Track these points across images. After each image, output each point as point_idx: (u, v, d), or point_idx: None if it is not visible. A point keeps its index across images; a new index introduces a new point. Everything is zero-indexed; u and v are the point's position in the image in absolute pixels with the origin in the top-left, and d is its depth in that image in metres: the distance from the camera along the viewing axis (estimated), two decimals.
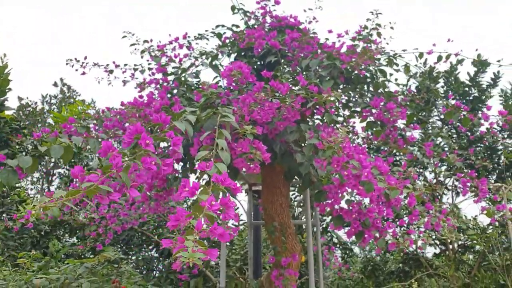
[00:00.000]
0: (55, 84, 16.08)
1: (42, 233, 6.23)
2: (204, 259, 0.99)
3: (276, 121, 2.07)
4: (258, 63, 2.89)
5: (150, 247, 7.33)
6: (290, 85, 2.12)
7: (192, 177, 2.80)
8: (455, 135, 6.19)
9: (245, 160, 1.77)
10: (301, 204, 6.88)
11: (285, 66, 2.64)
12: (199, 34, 3.20)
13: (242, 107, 1.97)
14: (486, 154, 6.13)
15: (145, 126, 1.45)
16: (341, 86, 2.68)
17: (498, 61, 2.83)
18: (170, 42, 3.10)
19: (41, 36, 30.03)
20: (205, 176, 1.53)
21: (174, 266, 1.01)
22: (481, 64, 6.06)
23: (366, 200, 2.15)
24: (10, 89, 4.95)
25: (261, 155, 1.75)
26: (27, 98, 14.89)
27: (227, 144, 1.68)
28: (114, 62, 2.98)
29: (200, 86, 2.34)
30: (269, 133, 2.19)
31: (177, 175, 2.66)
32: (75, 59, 2.87)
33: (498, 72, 6.66)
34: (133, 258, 7.12)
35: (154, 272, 7.17)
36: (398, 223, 4.02)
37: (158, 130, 1.57)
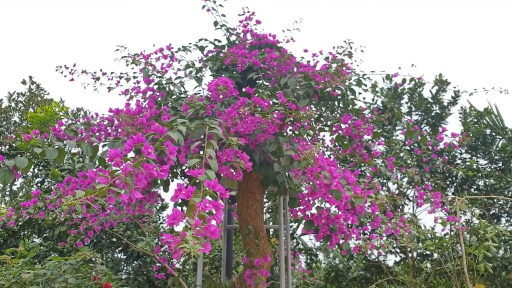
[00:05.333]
0: (24, 82, 15.76)
1: (10, 232, 6.20)
2: (201, 250, 1.20)
3: (257, 133, 2.29)
4: (239, 77, 3.10)
5: (118, 249, 7.38)
6: (271, 101, 2.35)
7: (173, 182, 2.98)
8: (415, 151, 6.58)
9: (230, 168, 1.97)
10: (270, 211, 7.12)
11: (265, 83, 2.86)
12: (182, 46, 3.39)
13: (227, 120, 2.18)
14: (444, 168, 6.54)
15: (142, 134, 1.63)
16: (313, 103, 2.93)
17: (455, 87, 3.17)
18: (155, 52, 3.27)
19: (8, 31, 29.25)
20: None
21: (175, 256, 1.20)
22: (441, 84, 6.49)
23: (334, 208, 2.40)
24: None
25: (244, 164, 1.95)
26: None
27: None
28: (101, 70, 3.13)
29: (188, 97, 2.53)
30: (250, 144, 2.41)
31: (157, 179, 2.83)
32: (65, 66, 3.00)
33: (458, 91, 7.13)
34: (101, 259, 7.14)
35: (121, 273, 7.22)
36: (362, 229, 4.30)
37: (153, 138, 1.75)
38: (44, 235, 6.53)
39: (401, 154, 5.75)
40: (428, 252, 6.56)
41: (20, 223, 6.06)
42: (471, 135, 6.57)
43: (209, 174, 1.61)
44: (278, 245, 5.83)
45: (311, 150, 1.96)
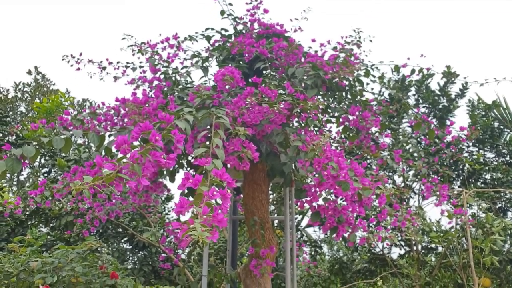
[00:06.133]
0: (29, 72, 15.79)
1: (18, 221, 6.26)
2: (209, 238, 1.19)
3: (264, 124, 2.27)
4: (245, 67, 3.08)
5: (124, 240, 7.43)
6: (278, 91, 2.33)
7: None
8: (423, 142, 6.54)
9: (236, 158, 1.96)
10: (274, 202, 7.12)
11: (272, 73, 2.84)
12: (189, 36, 3.37)
13: (233, 110, 2.17)
14: (451, 162, 6.50)
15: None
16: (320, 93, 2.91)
17: (465, 77, 3.12)
18: (162, 42, 3.25)
19: (14, 22, 29.29)
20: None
21: (182, 244, 1.19)
22: (449, 76, 6.42)
23: (339, 200, 2.38)
24: None
25: (251, 154, 1.94)
26: None
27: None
28: (107, 59, 3.12)
29: (194, 87, 2.52)
30: (256, 134, 2.40)
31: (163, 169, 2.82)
32: (71, 55, 3.00)
33: (466, 83, 7.06)
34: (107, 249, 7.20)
35: (127, 263, 7.28)
36: (368, 221, 4.29)
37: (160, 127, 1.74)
38: (51, 224, 6.58)
39: (407, 147, 5.71)
40: (433, 245, 6.55)
41: (27, 213, 6.11)
42: (478, 128, 6.51)
43: (216, 163, 1.60)
44: (282, 237, 5.84)
45: (319, 141, 1.95)
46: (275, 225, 6.82)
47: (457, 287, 5.85)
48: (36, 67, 15.89)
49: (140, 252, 7.33)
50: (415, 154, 5.75)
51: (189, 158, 2.88)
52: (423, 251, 6.64)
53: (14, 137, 7.24)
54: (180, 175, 2.91)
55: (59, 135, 2.24)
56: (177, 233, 3.19)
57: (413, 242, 6.37)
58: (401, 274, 6.58)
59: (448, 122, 3.16)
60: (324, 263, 8.39)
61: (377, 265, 6.86)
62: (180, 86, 2.91)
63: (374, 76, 2.92)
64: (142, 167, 1.50)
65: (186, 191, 2.49)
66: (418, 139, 6.41)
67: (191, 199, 1.46)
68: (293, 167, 2.70)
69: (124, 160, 1.39)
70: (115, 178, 1.29)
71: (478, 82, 2.82)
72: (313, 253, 7.50)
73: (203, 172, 1.59)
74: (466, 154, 6.75)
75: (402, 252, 6.85)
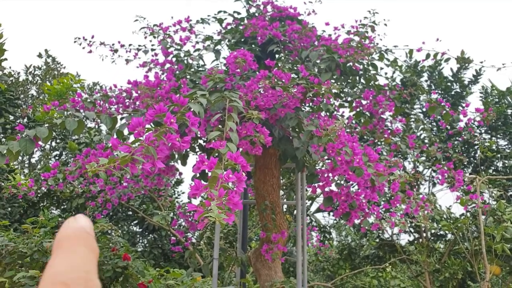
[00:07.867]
0: (40, 55, 15.80)
1: (30, 203, 6.34)
2: (226, 220, 1.18)
3: (277, 108, 2.25)
4: (258, 50, 3.05)
5: (134, 223, 7.51)
6: (292, 75, 2.30)
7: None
8: (435, 128, 6.48)
9: (249, 142, 1.95)
10: (284, 187, 7.12)
11: (286, 56, 2.80)
12: (201, 19, 3.33)
13: (247, 93, 2.14)
14: (463, 148, 6.43)
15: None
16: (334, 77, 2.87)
17: (481, 62, 3.06)
18: (174, 25, 3.23)
19: (24, 5, 29.29)
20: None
21: (199, 226, 1.19)
22: (463, 61, 6.32)
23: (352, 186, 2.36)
24: (5, 59, 4.99)
25: (264, 139, 1.93)
26: (10, 67, 14.63)
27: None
28: (119, 42, 3.10)
29: (207, 70, 2.49)
30: (269, 118, 2.37)
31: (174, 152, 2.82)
32: (83, 37, 2.98)
33: (480, 69, 6.94)
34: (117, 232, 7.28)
35: (138, 246, 7.36)
36: (382, 207, 4.30)
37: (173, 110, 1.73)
38: (62, 206, 6.66)
39: (419, 133, 5.65)
40: (442, 232, 6.52)
41: (39, 195, 6.18)
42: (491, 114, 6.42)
43: (230, 146, 1.59)
44: (291, 222, 5.86)
45: (334, 125, 1.93)
46: (284, 210, 6.84)
47: (466, 274, 5.84)
48: (46, 50, 15.88)
49: (150, 235, 7.41)
50: (426, 141, 5.69)
51: (200, 141, 2.87)
52: (432, 237, 6.63)
53: (25, 119, 7.29)
54: (191, 159, 2.90)
55: (71, 117, 2.24)
56: (189, 216, 3.20)
57: (423, 229, 6.35)
58: (410, 261, 6.58)
59: (460, 108, 3.11)
60: (332, 248, 8.44)
61: (386, 251, 6.87)
62: (192, 69, 2.89)
63: (388, 60, 2.87)
64: (157, 150, 1.50)
65: (198, 175, 2.49)
66: (430, 125, 6.35)
67: (203, 182, 1.45)
68: (307, 152, 2.68)
69: (139, 142, 1.38)
70: (130, 160, 1.29)
71: (495, 67, 2.76)
72: (321, 238, 7.53)
73: (216, 155, 1.58)
74: (477, 142, 6.68)
75: (411, 238, 6.85)
